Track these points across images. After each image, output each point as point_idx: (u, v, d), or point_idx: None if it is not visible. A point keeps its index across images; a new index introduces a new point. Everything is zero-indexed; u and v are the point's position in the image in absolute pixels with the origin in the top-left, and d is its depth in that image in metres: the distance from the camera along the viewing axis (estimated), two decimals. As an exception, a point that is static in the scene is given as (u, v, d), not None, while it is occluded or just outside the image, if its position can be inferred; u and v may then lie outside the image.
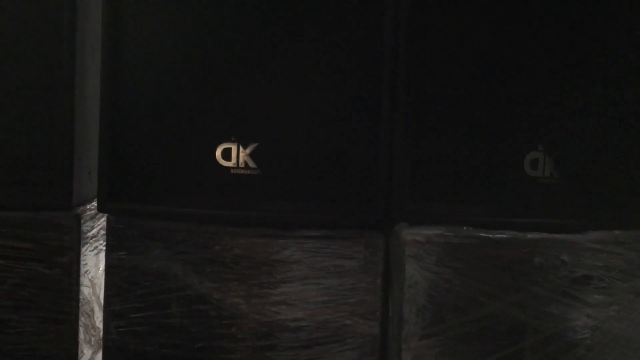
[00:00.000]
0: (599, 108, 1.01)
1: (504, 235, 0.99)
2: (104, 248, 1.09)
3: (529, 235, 0.99)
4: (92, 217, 1.15)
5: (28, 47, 1.04)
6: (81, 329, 1.09)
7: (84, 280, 1.11)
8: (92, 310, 1.16)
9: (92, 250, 1.16)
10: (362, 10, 1.01)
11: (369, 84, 1.01)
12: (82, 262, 1.09)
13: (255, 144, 1.02)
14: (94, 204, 1.15)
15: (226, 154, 1.02)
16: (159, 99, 1.03)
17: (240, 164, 1.02)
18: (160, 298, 1.04)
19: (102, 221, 1.17)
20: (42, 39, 1.04)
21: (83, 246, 1.09)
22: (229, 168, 1.03)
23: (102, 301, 1.12)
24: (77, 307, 1.06)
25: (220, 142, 1.02)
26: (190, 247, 1.03)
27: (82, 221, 1.08)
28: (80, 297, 1.08)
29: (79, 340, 1.08)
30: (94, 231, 1.17)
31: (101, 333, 1.12)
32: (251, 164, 1.02)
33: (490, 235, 0.99)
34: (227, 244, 1.03)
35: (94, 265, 1.17)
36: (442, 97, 1.01)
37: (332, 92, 1.01)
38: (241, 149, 1.02)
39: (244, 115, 1.02)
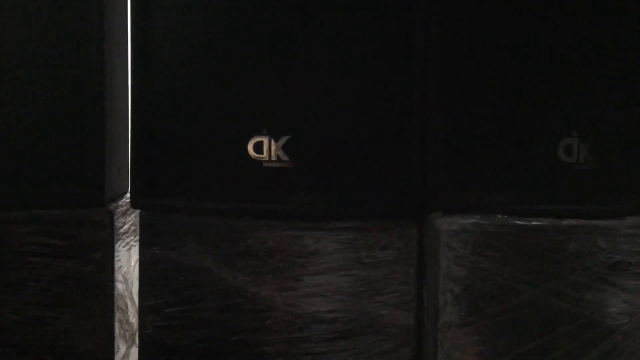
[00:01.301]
0: (634, 93, 1.00)
1: (540, 223, 0.99)
2: (135, 244, 1.10)
3: (565, 222, 0.99)
4: (123, 214, 1.16)
5: (56, 45, 1.04)
6: (116, 324, 1.10)
7: (118, 275, 1.11)
8: (126, 305, 1.16)
9: (124, 246, 1.16)
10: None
11: (401, 73, 1.00)
12: (115, 258, 1.09)
13: (287, 137, 1.02)
14: (125, 200, 1.15)
15: (258, 147, 1.02)
16: (189, 93, 1.03)
17: (272, 157, 1.02)
18: (194, 292, 1.04)
19: (132, 217, 1.18)
20: (71, 37, 1.04)
21: (115, 242, 1.09)
22: (261, 161, 1.02)
23: (135, 296, 1.12)
24: (112, 303, 1.07)
25: (251, 136, 1.02)
26: (224, 241, 1.03)
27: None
28: (115, 292, 1.09)
29: (115, 335, 1.08)
30: (125, 227, 1.17)
31: (134, 328, 1.13)
32: (283, 156, 1.02)
33: (526, 223, 0.98)
34: (260, 237, 1.03)
35: (126, 260, 1.17)
36: (475, 85, 1.01)
37: (364, 82, 1.01)
38: (273, 142, 1.02)
39: (275, 108, 1.02)
